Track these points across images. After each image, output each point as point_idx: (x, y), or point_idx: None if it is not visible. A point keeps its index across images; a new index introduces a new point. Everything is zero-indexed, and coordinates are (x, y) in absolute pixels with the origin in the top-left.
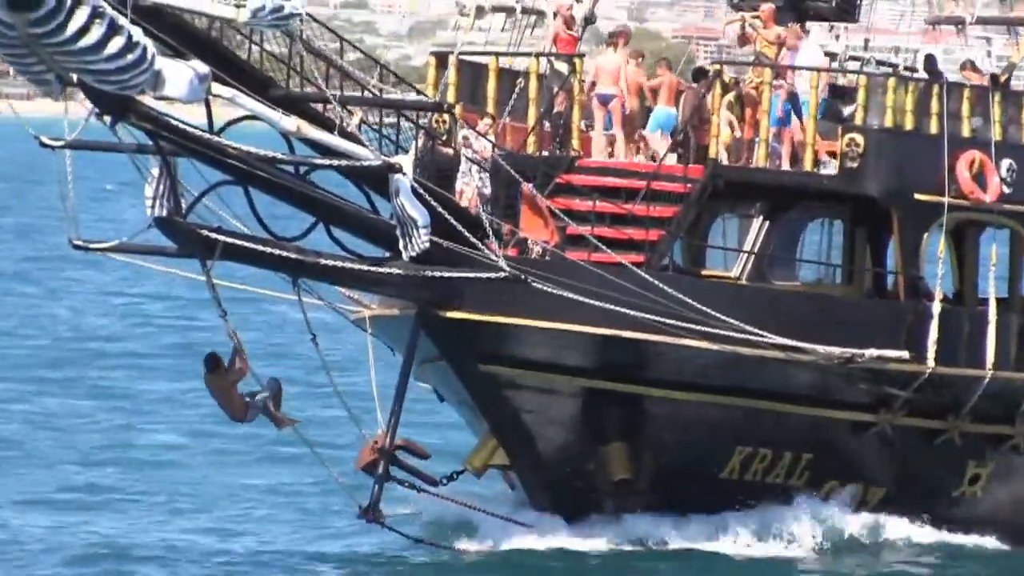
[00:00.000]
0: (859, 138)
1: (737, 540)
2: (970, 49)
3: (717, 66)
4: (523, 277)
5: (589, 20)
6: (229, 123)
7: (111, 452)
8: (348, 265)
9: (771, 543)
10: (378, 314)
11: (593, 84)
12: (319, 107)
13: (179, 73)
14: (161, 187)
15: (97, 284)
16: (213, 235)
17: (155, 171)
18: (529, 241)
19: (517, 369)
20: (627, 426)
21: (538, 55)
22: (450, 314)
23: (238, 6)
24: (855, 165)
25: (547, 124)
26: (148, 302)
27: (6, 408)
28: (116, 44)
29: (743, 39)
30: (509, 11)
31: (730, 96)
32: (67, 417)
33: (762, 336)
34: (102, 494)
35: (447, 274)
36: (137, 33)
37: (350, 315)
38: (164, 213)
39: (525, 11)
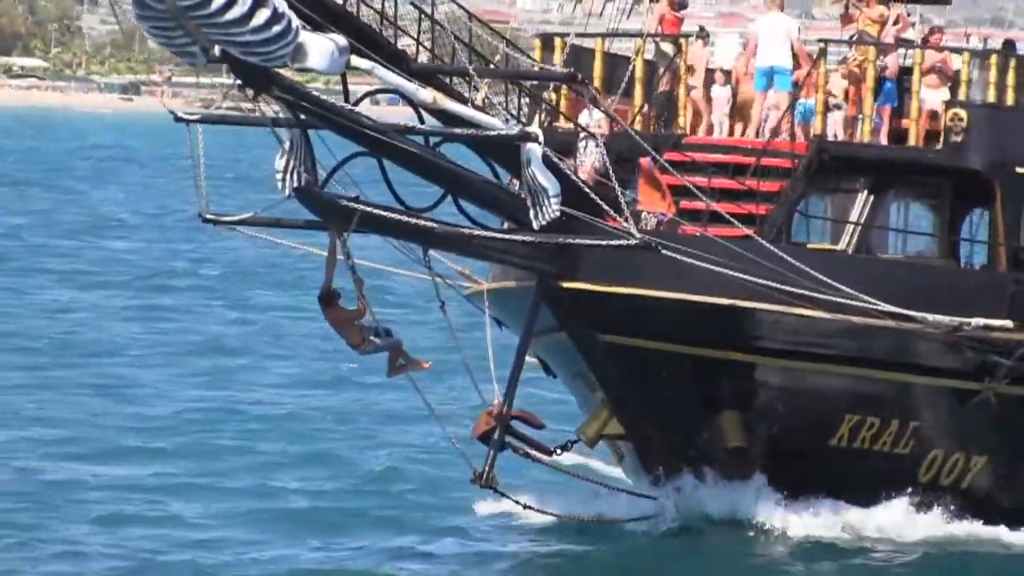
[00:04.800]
0: (962, 113)
1: None
2: None
3: (823, 44)
4: (653, 245)
5: (682, 5)
6: (366, 94)
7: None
8: (481, 234)
9: None
10: (495, 287)
11: None
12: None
13: (320, 45)
14: (293, 160)
15: None
16: (351, 204)
17: (286, 145)
18: (643, 214)
19: (636, 338)
20: (741, 395)
21: (645, 36)
22: (570, 285)
23: None
24: (959, 140)
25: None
26: None
27: None
28: (262, 16)
29: (847, 18)
30: None
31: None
32: None
33: (877, 305)
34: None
35: (582, 241)
36: (281, 5)
37: (464, 290)
38: (302, 183)
39: None
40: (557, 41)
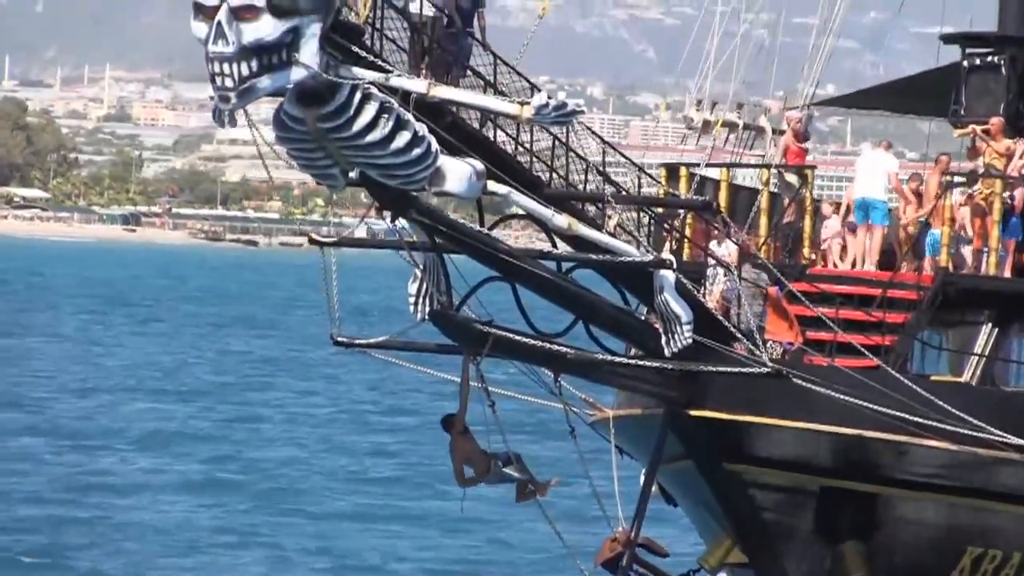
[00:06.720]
0: None
1: None
2: None
3: (948, 177)
4: (785, 374)
5: (806, 136)
6: (500, 219)
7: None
8: (613, 360)
9: None
10: (621, 415)
11: None
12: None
13: (458, 170)
14: (427, 284)
15: None
16: (486, 329)
17: (418, 270)
18: (768, 343)
19: (761, 468)
20: (864, 525)
21: (770, 166)
22: (697, 413)
23: (522, 103)
24: None
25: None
26: None
27: None
28: (402, 139)
29: (973, 152)
30: (732, 126)
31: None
32: None
33: (1004, 437)
34: None
35: (717, 369)
36: (421, 129)
37: (588, 418)
38: (437, 307)
39: (747, 127)
40: (683, 170)
